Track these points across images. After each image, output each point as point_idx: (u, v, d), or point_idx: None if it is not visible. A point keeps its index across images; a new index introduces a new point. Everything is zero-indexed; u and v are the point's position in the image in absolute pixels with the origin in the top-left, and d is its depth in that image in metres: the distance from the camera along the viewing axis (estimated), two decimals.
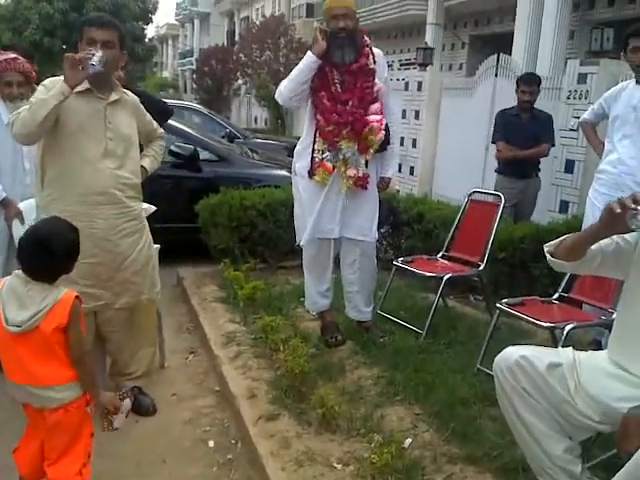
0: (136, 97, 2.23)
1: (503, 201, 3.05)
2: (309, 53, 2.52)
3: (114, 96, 2.06)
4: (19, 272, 1.55)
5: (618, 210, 1.38)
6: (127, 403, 1.69)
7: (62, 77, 1.88)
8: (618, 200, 1.40)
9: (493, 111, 5.40)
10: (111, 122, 2.04)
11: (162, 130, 2.36)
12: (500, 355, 1.62)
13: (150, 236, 2.24)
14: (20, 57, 2.55)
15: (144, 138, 2.27)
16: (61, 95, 1.86)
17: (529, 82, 3.99)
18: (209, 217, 3.87)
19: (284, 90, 2.57)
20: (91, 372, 1.60)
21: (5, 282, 1.57)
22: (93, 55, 1.87)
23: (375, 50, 2.63)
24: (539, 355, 1.58)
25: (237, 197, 3.88)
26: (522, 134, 3.94)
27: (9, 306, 1.52)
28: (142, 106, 2.24)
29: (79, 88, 1.96)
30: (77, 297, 1.55)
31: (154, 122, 2.33)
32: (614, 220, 1.41)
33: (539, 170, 4.11)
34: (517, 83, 4.04)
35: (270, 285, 3.46)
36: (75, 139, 1.97)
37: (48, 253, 1.52)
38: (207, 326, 3.02)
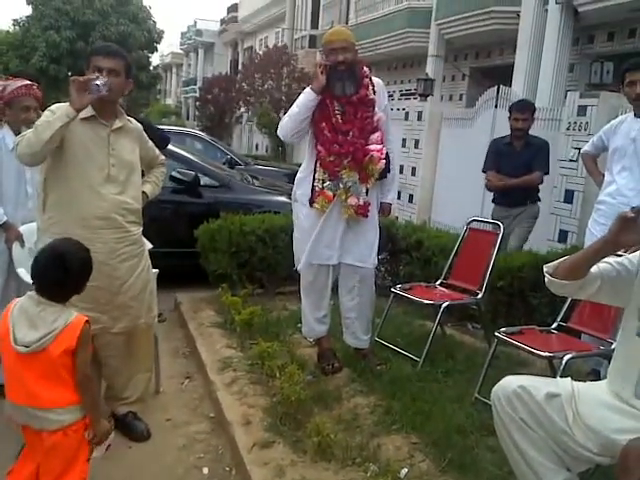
0: (139, 125, 2.30)
1: (502, 230, 3.09)
2: (308, 90, 2.57)
3: (118, 123, 2.13)
4: (32, 293, 1.59)
5: (631, 215, 1.40)
6: (111, 437, 1.70)
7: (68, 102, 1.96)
8: (631, 208, 1.42)
9: None
10: (114, 149, 2.09)
11: (163, 157, 2.43)
12: (498, 384, 1.62)
13: (149, 261, 2.28)
14: (34, 83, 2.64)
15: (146, 165, 2.33)
16: (66, 117, 1.92)
17: (522, 109, 3.87)
18: (208, 242, 3.92)
19: (285, 127, 2.62)
20: (94, 396, 1.62)
21: (18, 302, 1.60)
22: (97, 78, 1.95)
23: (375, 80, 2.69)
24: (537, 385, 1.57)
25: (237, 222, 3.93)
26: (513, 162, 3.85)
27: (19, 326, 1.54)
28: (145, 134, 2.31)
29: (83, 114, 2.03)
30: (87, 321, 1.58)
31: (156, 149, 2.39)
32: (626, 227, 1.41)
33: (538, 198, 3.96)
34: (510, 110, 3.93)
35: (267, 311, 3.47)
36: (78, 164, 2.02)
37: (62, 269, 1.56)
38: (204, 351, 3.02)
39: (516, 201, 3.89)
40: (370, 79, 2.66)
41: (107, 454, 1.71)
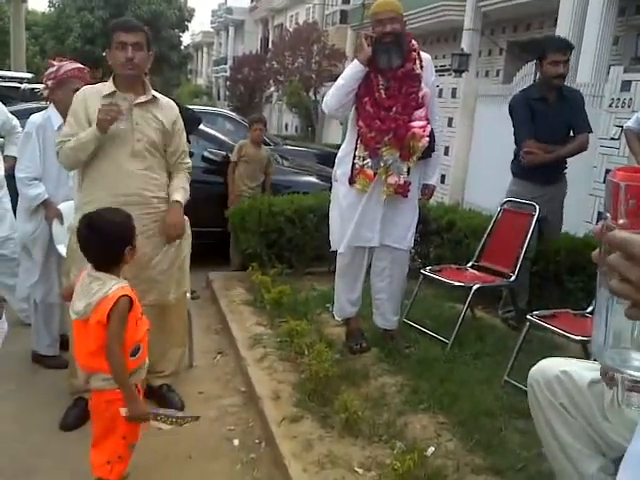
0: (174, 105, 2.29)
1: (538, 211, 3.02)
2: (355, 61, 2.54)
3: (142, 98, 2.14)
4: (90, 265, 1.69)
5: None
6: (170, 412, 1.77)
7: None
8: None
9: None
10: (138, 123, 2.11)
11: (190, 163, 2.36)
12: (537, 367, 1.59)
13: (186, 236, 2.29)
14: (85, 67, 2.67)
15: (169, 157, 2.25)
16: (96, 140, 2.05)
17: (564, 48, 2.99)
18: (239, 222, 3.98)
19: (331, 101, 2.59)
20: (120, 373, 1.62)
21: (85, 272, 1.72)
22: (121, 111, 2.02)
23: (423, 54, 2.63)
24: (580, 371, 1.53)
25: (266, 203, 3.98)
26: (551, 123, 3.01)
27: (77, 295, 1.68)
28: (181, 124, 2.27)
29: (106, 91, 2.11)
30: (125, 296, 1.62)
31: (186, 153, 2.33)
32: None
33: (566, 168, 3.25)
34: (542, 53, 3.00)
35: (296, 290, 3.52)
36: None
37: (97, 236, 1.64)
38: (235, 328, 3.10)
39: (554, 176, 3.11)
40: (418, 53, 2.60)
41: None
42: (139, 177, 2.11)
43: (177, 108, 2.31)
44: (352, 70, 2.54)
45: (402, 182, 2.61)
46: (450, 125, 7.00)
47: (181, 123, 2.29)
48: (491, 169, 6.18)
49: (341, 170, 2.72)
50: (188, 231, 2.34)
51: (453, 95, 6.98)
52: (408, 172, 2.63)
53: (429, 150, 2.64)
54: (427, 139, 2.57)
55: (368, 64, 2.52)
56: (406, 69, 2.55)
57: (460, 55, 7.28)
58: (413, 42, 2.61)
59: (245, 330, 3.06)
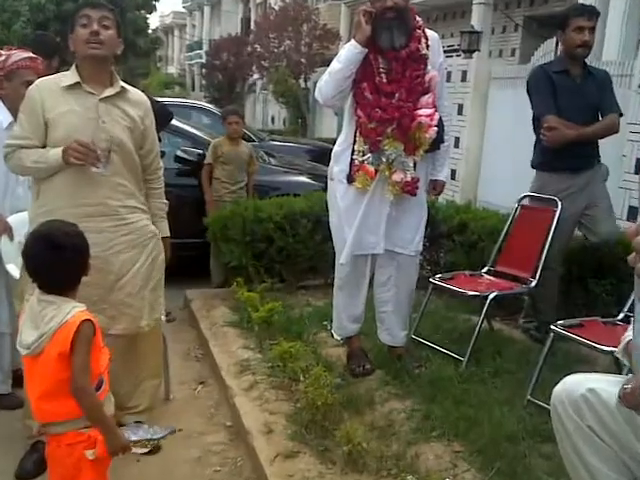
0: (147, 101, 2.28)
1: (560, 206, 3.06)
2: (352, 42, 2.52)
3: (109, 91, 2.12)
4: (37, 290, 1.65)
5: None
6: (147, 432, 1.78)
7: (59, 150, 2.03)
8: None
9: None
10: (105, 121, 2.10)
11: (161, 164, 2.39)
12: (561, 386, 1.61)
13: (156, 254, 2.28)
14: (39, 57, 2.64)
15: (143, 160, 2.27)
16: (58, 167, 2.05)
17: (589, 14, 2.97)
18: (220, 231, 4.01)
19: (325, 88, 2.59)
20: (95, 409, 1.60)
21: (29, 301, 1.67)
22: (98, 157, 2.03)
23: (429, 32, 2.63)
24: (608, 388, 1.54)
25: (251, 208, 4.00)
26: (576, 102, 2.98)
27: (25, 326, 1.63)
28: (152, 119, 2.28)
29: (67, 82, 2.08)
30: (87, 320, 1.59)
31: (158, 153, 2.35)
32: None
33: (599, 155, 3.17)
34: (564, 20, 3.00)
35: (289, 307, 3.55)
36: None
37: (50, 250, 1.58)
38: (218, 353, 3.12)
39: (584, 162, 3.04)
40: (423, 31, 2.61)
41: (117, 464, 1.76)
42: (105, 184, 2.10)
43: (148, 101, 2.31)
44: (349, 52, 2.52)
45: (409, 179, 2.61)
46: (460, 113, 7.08)
47: (152, 118, 2.30)
48: (507, 162, 6.26)
49: (338, 167, 2.73)
50: (162, 246, 2.33)
51: (463, 78, 7.07)
52: (414, 167, 2.64)
53: (437, 142, 2.66)
54: (435, 129, 2.57)
55: (367, 44, 2.51)
56: (410, 49, 2.54)
57: (470, 33, 7.37)
58: (418, 19, 2.62)
59: (230, 355, 3.08)
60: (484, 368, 2.78)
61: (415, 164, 2.65)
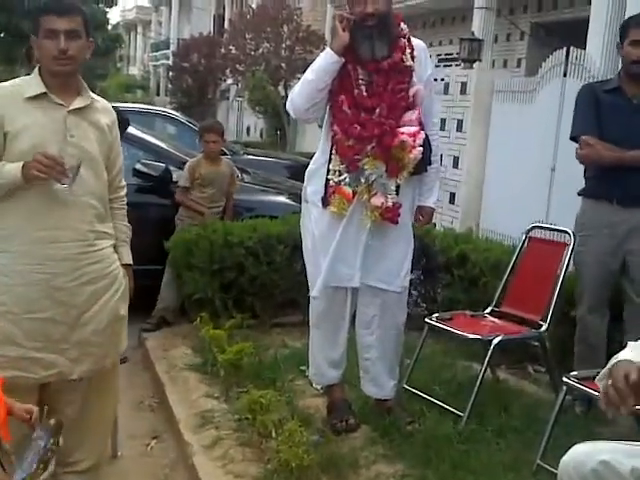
0: (113, 110, 2.30)
1: (573, 240, 3.07)
2: (328, 50, 2.60)
3: (78, 102, 2.14)
4: None
5: None
6: None
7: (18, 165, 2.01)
8: None
9: (561, 120, 5.54)
10: (73, 135, 2.11)
11: (124, 182, 2.41)
12: (569, 456, 1.60)
13: (123, 284, 2.28)
14: None
15: (108, 174, 2.28)
16: (13, 185, 2.02)
17: None
18: (183, 257, 3.98)
19: (297, 99, 2.65)
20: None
21: None
22: (65, 172, 2.00)
23: (415, 42, 2.70)
24: (625, 460, 1.53)
25: (220, 231, 3.98)
26: (627, 123, 2.94)
27: None
28: (117, 130, 2.30)
29: (32, 92, 2.08)
30: None
31: (122, 169, 2.38)
32: None
33: None
34: (622, 31, 3.00)
35: (261, 348, 3.51)
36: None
37: None
38: (176, 402, 3.06)
39: (634, 196, 2.93)
40: (408, 40, 2.68)
41: None
42: (74, 205, 2.10)
43: (113, 111, 2.33)
44: (324, 61, 2.59)
45: (390, 204, 2.65)
46: (460, 129, 7.17)
47: (117, 129, 2.31)
48: (512, 186, 6.33)
49: (312, 188, 2.76)
50: (121, 273, 2.30)
51: (463, 91, 7.17)
52: (397, 191, 2.68)
53: (424, 163, 2.70)
54: (419, 150, 2.62)
55: (344, 54, 2.56)
56: (393, 60, 2.60)
57: (471, 40, 7.50)
58: (402, 26, 2.70)
59: (190, 405, 3.03)
60: (487, 426, 2.75)
61: (398, 188, 2.68)
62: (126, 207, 2.41)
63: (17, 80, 2.19)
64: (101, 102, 2.26)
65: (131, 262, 2.35)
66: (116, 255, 2.27)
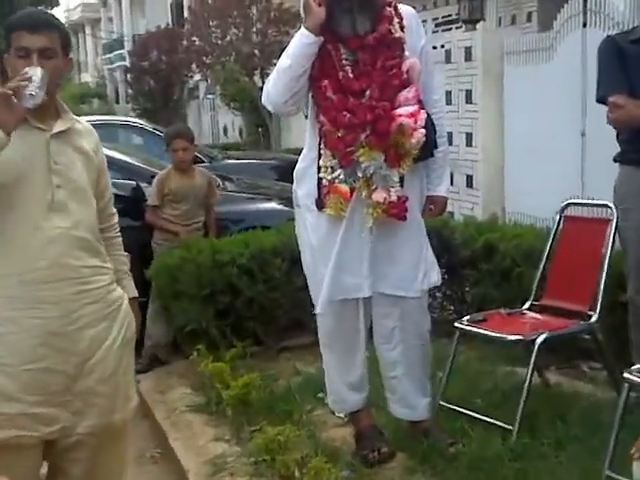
0: (94, 131, 2.33)
1: (615, 214, 3.07)
2: (302, 31, 2.60)
3: (60, 125, 2.16)
4: None
5: None
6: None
7: None
8: None
9: (587, 77, 5.55)
10: (57, 162, 2.13)
11: (115, 211, 2.45)
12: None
13: (128, 324, 2.29)
14: None
15: (98, 202, 2.30)
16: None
17: None
18: (167, 286, 3.99)
19: (273, 90, 2.67)
20: None
21: None
22: (30, 79, 1.97)
23: (403, 8, 2.71)
24: None
25: (207, 250, 3.99)
26: None
27: None
28: (103, 154, 2.33)
29: None
30: None
31: (112, 195, 2.41)
32: None
33: None
34: None
35: (270, 378, 3.52)
36: (7, 192, 2.05)
37: None
38: (182, 451, 3.07)
39: None
40: (395, 7, 2.69)
41: None
42: (62, 240, 2.10)
43: (95, 132, 2.36)
44: (300, 43, 2.59)
45: (394, 198, 2.65)
46: (469, 101, 7.17)
47: (102, 152, 2.35)
48: (537, 158, 6.32)
49: (303, 190, 2.78)
50: (132, 313, 2.31)
51: (468, 57, 7.18)
52: (401, 183, 2.68)
53: (429, 147, 2.70)
54: (422, 132, 2.62)
55: (322, 32, 2.56)
56: (380, 33, 2.61)
57: None
58: None
59: (198, 452, 3.03)
60: (542, 438, 2.75)
61: (402, 178, 2.68)
62: (120, 235, 2.43)
63: None
64: (82, 124, 2.29)
65: (137, 295, 2.38)
66: (117, 291, 2.27)
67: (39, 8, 18.55)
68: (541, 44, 6.61)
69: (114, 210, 2.43)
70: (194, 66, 16.63)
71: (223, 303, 3.91)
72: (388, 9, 2.67)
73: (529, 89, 6.55)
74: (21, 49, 2.08)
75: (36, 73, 1.99)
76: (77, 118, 2.28)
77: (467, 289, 4.03)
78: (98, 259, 2.21)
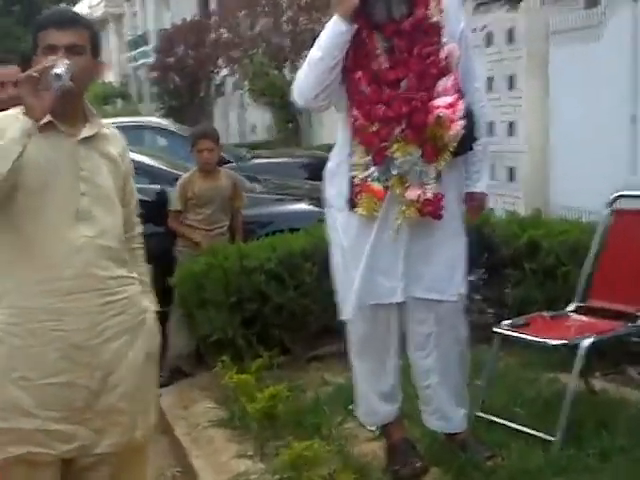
0: (121, 136, 2.36)
1: None
2: (334, 19, 2.60)
3: (88, 130, 2.19)
4: None
5: None
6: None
7: (16, 111, 2.04)
8: None
9: (637, 56, 5.47)
10: (84, 169, 2.16)
11: (138, 220, 2.47)
12: None
13: (152, 336, 2.32)
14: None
15: (123, 210, 2.33)
16: (26, 137, 2.01)
17: None
18: (193, 293, 4.03)
19: (304, 84, 2.69)
20: None
21: None
22: (55, 63, 2.00)
23: None
24: None
25: (234, 255, 4.03)
26: None
27: None
28: (130, 159, 2.36)
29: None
30: None
31: (137, 202, 2.42)
32: None
33: None
34: None
35: (298, 390, 3.54)
36: (32, 199, 2.08)
37: None
38: (203, 469, 3.09)
39: None
40: None
41: None
42: (88, 249, 2.13)
43: (122, 137, 2.39)
44: (332, 32, 2.59)
45: (429, 196, 2.65)
46: (512, 87, 7.12)
47: (129, 158, 2.38)
48: (585, 146, 6.24)
49: (334, 189, 2.79)
50: (155, 326, 2.35)
51: (510, 39, 7.12)
52: (438, 179, 2.68)
53: (468, 140, 2.70)
54: (461, 123, 2.61)
55: (355, 19, 2.56)
56: (416, 18, 2.60)
57: None
58: None
59: (220, 470, 3.05)
60: (587, 449, 2.74)
61: (439, 174, 2.68)
62: (142, 247, 2.45)
63: (19, 108, 2.22)
64: (109, 129, 2.32)
65: (157, 308, 2.38)
66: (143, 302, 2.29)
67: (62, 5, 19.10)
68: (589, 21, 6.53)
69: (137, 219, 2.44)
70: (221, 61, 16.71)
71: (250, 311, 3.94)
72: None
73: (576, 71, 6.49)
74: (48, 47, 2.10)
75: (62, 60, 2.01)
76: (103, 122, 2.30)
77: (508, 290, 3.99)
78: (124, 269, 2.23)
